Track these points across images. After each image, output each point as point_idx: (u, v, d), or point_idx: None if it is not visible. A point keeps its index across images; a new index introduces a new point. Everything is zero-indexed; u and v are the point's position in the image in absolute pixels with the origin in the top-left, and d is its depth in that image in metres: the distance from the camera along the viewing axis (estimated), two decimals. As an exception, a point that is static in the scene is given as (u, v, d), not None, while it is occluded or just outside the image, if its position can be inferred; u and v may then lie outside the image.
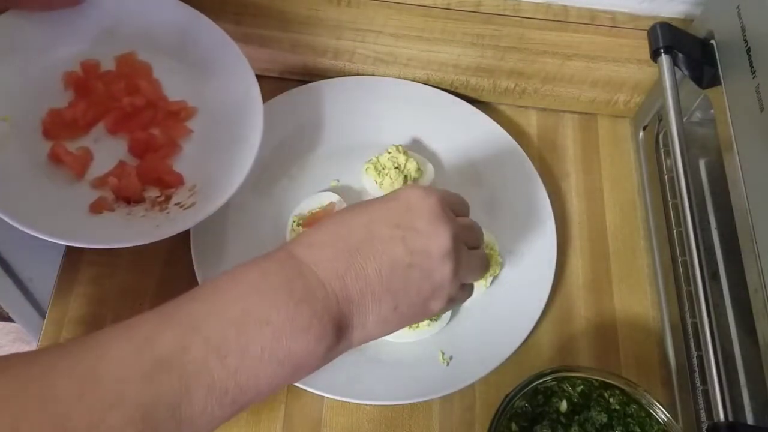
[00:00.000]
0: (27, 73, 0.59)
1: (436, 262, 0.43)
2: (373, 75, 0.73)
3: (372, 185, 0.66)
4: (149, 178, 0.59)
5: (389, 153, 0.66)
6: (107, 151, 0.60)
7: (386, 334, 0.44)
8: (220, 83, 0.62)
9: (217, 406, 0.36)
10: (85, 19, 0.61)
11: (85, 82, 0.61)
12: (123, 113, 0.61)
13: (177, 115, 0.62)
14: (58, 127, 0.59)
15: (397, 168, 0.65)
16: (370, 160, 0.66)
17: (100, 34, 0.62)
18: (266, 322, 0.37)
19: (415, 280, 0.42)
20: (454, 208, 0.47)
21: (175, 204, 0.57)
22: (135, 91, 0.62)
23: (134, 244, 0.52)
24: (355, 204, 0.45)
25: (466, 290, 0.48)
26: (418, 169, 0.66)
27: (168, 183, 0.59)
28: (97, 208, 0.56)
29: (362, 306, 0.41)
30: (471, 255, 0.46)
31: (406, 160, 0.66)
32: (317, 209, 0.63)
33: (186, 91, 0.63)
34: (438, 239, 0.43)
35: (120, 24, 0.62)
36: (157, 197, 0.58)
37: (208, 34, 0.62)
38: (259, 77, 0.73)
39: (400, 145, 0.66)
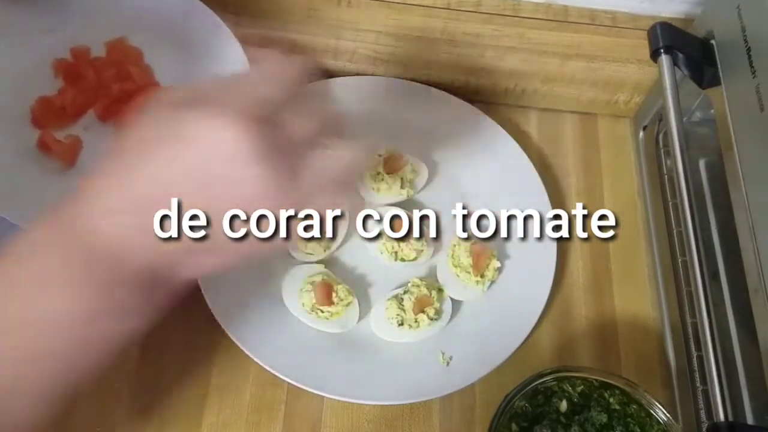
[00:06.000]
0: (16, 61, 0.58)
1: (251, 203, 0.37)
2: (373, 75, 0.73)
3: (369, 192, 0.66)
4: None
5: (380, 156, 0.66)
6: (98, 139, 0.59)
7: (228, 266, 0.41)
8: (214, 69, 0.61)
9: None
10: (75, 5, 0.60)
11: (75, 69, 0.60)
12: (113, 100, 0.60)
13: None
14: (47, 114, 0.58)
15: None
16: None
17: (90, 19, 0.61)
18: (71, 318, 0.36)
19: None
20: (270, 101, 0.37)
21: None
22: (126, 77, 0.61)
23: None
24: (140, 140, 0.37)
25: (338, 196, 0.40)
26: (413, 170, 0.66)
27: None
28: None
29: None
30: (314, 174, 0.38)
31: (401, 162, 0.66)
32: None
33: (179, 78, 0.62)
34: (246, 179, 0.36)
35: (111, 9, 0.62)
36: None
37: (202, 19, 0.62)
38: (259, 77, 0.73)
39: (388, 147, 0.66)
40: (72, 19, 0.61)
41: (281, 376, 0.57)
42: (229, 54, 0.61)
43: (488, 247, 0.63)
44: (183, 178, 0.36)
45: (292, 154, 0.37)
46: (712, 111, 0.58)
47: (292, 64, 0.40)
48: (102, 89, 0.60)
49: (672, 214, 0.66)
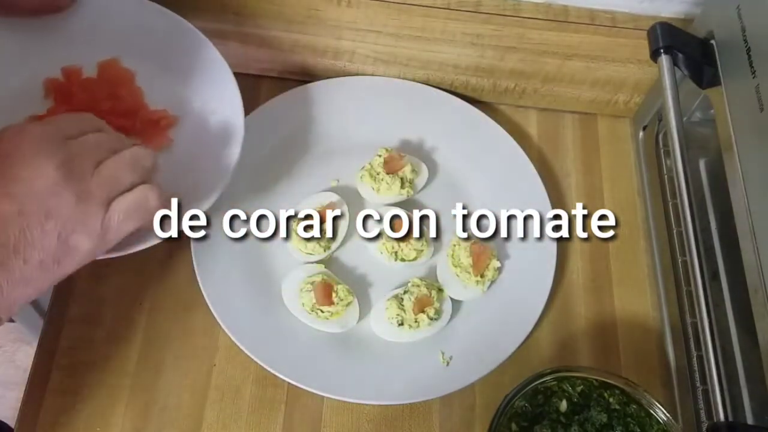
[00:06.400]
0: (7, 80, 0.58)
1: (48, 198, 0.42)
2: (373, 75, 0.73)
3: (369, 192, 0.66)
4: None
5: (379, 156, 0.66)
6: None
7: (42, 290, 0.44)
8: (203, 94, 0.61)
9: None
10: (68, 25, 0.60)
11: (66, 89, 0.60)
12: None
13: (157, 124, 0.60)
14: None
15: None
16: (363, 168, 0.66)
17: (83, 40, 0.60)
18: None
19: (34, 225, 0.42)
20: (72, 129, 0.46)
21: None
22: (115, 99, 0.60)
23: (101, 258, 0.50)
24: None
25: (139, 194, 0.47)
26: (413, 171, 0.66)
27: None
28: None
29: None
30: (105, 167, 0.46)
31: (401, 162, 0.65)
32: (316, 208, 0.63)
33: (168, 100, 0.61)
34: (41, 174, 0.42)
35: (104, 30, 0.61)
36: None
37: (194, 43, 0.61)
38: (259, 77, 0.73)
39: (388, 146, 0.66)
40: (65, 40, 0.60)
41: (281, 376, 0.58)
42: (221, 81, 0.61)
43: (488, 247, 0.63)
44: None
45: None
46: (712, 111, 0.58)
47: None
48: (91, 109, 0.58)
49: (672, 214, 0.66)
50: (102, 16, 0.61)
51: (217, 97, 0.61)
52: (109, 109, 0.60)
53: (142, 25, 0.62)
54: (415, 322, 0.60)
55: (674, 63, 0.58)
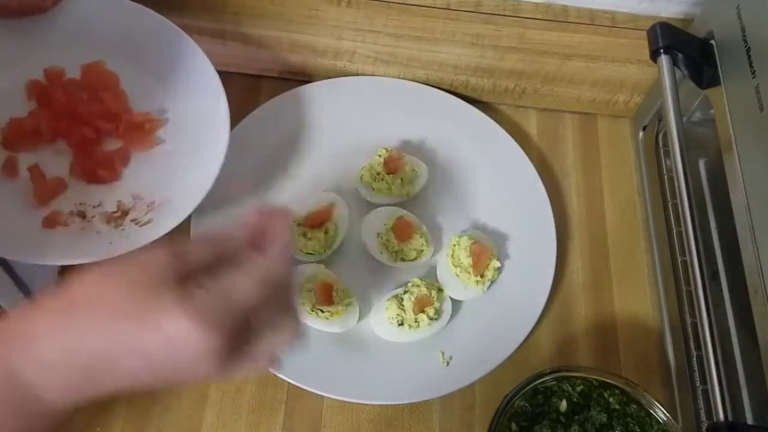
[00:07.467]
0: None
1: (193, 368, 0.36)
2: (373, 75, 0.73)
3: (369, 192, 0.66)
4: (82, 169, 0.58)
5: (379, 156, 0.66)
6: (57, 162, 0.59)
7: None
8: (189, 99, 0.61)
9: None
10: (52, 28, 0.60)
11: (48, 91, 0.59)
12: (82, 123, 0.59)
13: (141, 128, 0.60)
14: (18, 136, 0.58)
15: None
16: (363, 168, 0.66)
17: (67, 42, 0.60)
18: None
19: (147, 379, 0.36)
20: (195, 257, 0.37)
21: (131, 220, 0.56)
22: (99, 102, 0.60)
23: (84, 262, 0.51)
24: (94, 298, 0.36)
25: (280, 335, 0.39)
26: (413, 171, 0.66)
27: (101, 177, 0.58)
28: (50, 222, 0.56)
29: None
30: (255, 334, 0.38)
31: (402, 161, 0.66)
32: (316, 209, 0.63)
33: (153, 104, 0.61)
34: (187, 339, 0.34)
35: (89, 33, 0.61)
36: (114, 212, 0.58)
37: (181, 48, 0.61)
38: (259, 77, 0.73)
39: (388, 146, 0.66)
40: (49, 42, 0.60)
41: (281, 376, 0.58)
42: (207, 86, 0.61)
43: (488, 247, 0.63)
44: (126, 353, 0.35)
45: (243, 340, 0.37)
46: (712, 111, 0.58)
47: (282, 262, 0.39)
48: (73, 112, 0.60)
49: (672, 214, 0.66)
50: (87, 18, 0.61)
51: (203, 104, 0.61)
52: (88, 111, 0.60)
53: (126, 26, 0.61)
54: (415, 322, 0.60)
55: (674, 63, 0.58)
